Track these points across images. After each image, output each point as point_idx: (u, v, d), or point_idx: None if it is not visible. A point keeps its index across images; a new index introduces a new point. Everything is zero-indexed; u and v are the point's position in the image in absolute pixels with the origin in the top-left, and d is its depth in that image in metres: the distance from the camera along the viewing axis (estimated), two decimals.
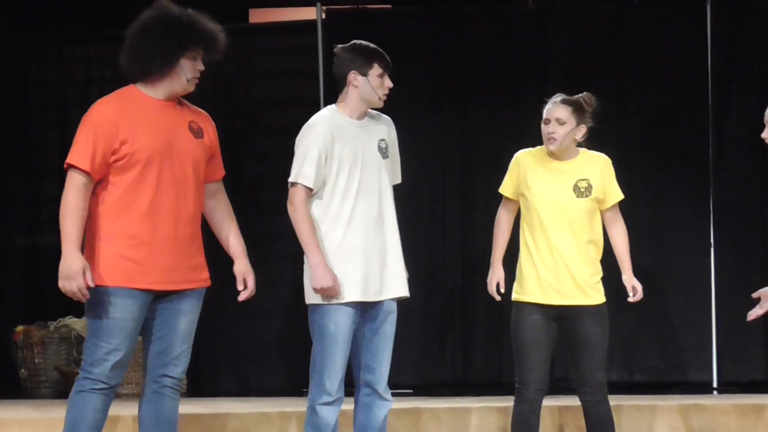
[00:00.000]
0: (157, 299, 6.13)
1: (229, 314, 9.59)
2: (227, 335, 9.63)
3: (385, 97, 6.70)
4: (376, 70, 6.67)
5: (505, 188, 7.09)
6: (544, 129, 6.97)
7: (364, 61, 6.68)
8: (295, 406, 7.64)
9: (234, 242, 6.41)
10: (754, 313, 6.83)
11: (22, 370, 9.26)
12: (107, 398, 6.13)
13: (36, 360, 9.12)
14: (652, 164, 9.15)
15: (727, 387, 9.18)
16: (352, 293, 6.57)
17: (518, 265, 7.00)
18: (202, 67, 6.23)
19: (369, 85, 6.67)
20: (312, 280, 6.53)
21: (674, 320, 9.24)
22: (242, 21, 10.34)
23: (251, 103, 9.74)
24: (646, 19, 9.54)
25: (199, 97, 9.67)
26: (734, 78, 9.38)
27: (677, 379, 9.24)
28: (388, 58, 6.70)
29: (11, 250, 9.18)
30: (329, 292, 6.52)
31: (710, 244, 9.32)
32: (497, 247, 7.09)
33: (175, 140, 6.15)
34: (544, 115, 6.97)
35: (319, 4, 9.52)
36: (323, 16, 9.47)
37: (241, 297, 6.39)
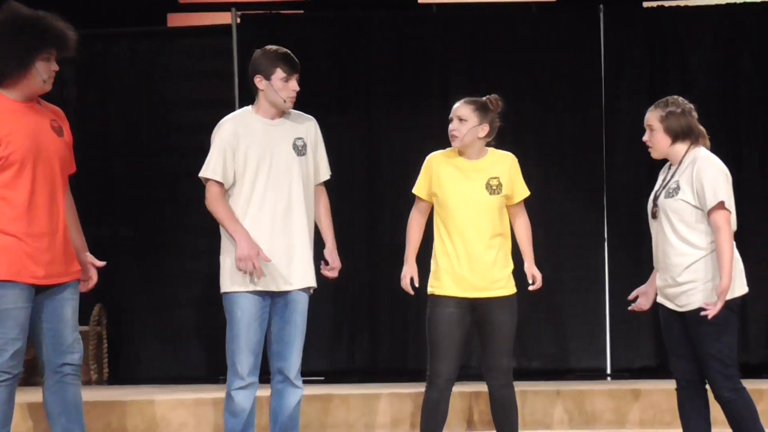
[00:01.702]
0: (37, 293, 6.10)
1: (147, 304, 9.54)
2: (146, 325, 9.59)
3: (291, 100, 6.70)
4: (279, 74, 6.69)
5: (419, 189, 7.08)
6: (450, 126, 6.97)
7: (268, 65, 6.70)
8: (210, 392, 7.63)
9: (77, 238, 6.37)
10: (636, 307, 6.91)
11: None
12: (12, 389, 6.15)
13: None
14: (547, 161, 9.21)
15: (619, 373, 9.26)
16: (253, 281, 6.60)
17: (433, 260, 7.01)
18: (56, 68, 6.19)
19: (272, 88, 6.68)
20: (237, 253, 6.52)
21: (570, 309, 9.33)
22: (161, 25, 10.25)
23: (169, 103, 9.68)
24: (543, 25, 9.60)
25: (120, 95, 9.65)
26: (625, 81, 9.48)
27: (573, 365, 9.34)
28: (296, 61, 6.67)
29: None
30: (248, 261, 6.50)
31: (604, 237, 9.38)
32: (410, 245, 7.09)
33: (43, 140, 6.15)
34: (451, 114, 6.97)
35: (234, 9, 9.49)
36: (238, 20, 9.44)
37: (89, 287, 6.36)
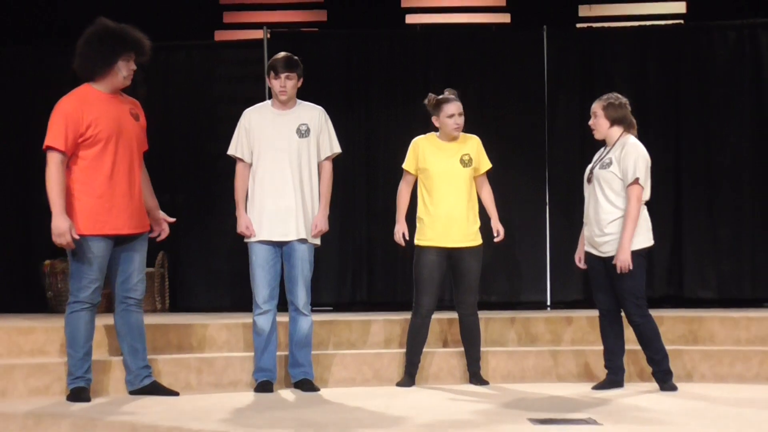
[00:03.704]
0: (117, 243, 6.21)
1: (197, 252, 9.60)
2: (197, 268, 9.62)
3: (281, 93, 6.81)
4: (272, 75, 6.79)
5: (408, 165, 7.15)
6: (454, 121, 7.03)
7: (268, 69, 6.83)
8: (243, 318, 7.68)
9: (150, 200, 6.51)
10: (581, 265, 7.00)
11: (49, 293, 9.20)
12: (92, 313, 6.26)
13: (59, 285, 9.06)
14: (504, 145, 9.21)
15: (556, 304, 9.27)
16: (262, 234, 6.75)
17: (418, 219, 7.08)
18: (134, 67, 6.29)
19: (272, 86, 6.81)
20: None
21: (520, 257, 9.32)
22: (209, 39, 10.30)
23: (215, 99, 9.67)
24: (500, 41, 9.56)
25: (178, 93, 9.70)
26: (563, 85, 9.42)
27: (522, 299, 9.31)
28: (286, 63, 6.75)
29: (40, 205, 9.16)
30: (244, 234, 6.76)
31: (546, 203, 9.40)
32: (400, 208, 7.17)
33: (123, 124, 6.22)
34: (453, 111, 7.01)
35: (265, 27, 9.49)
36: (268, 36, 9.43)
37: (162, 237, 6.57)
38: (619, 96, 6.87)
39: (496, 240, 7.15)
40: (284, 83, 6.74)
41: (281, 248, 6.80)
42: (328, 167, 6.92)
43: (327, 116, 6.93)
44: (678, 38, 9.37)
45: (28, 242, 9.55)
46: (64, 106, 6.15)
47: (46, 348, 7.05)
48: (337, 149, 6.95)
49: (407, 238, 7.12)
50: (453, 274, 7.10)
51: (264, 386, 6.83)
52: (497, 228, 7.14)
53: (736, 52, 9.27)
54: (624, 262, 6.55)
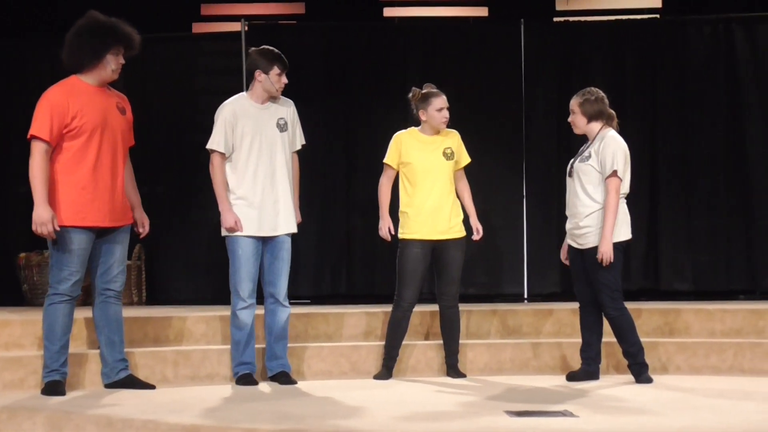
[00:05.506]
0: (99, 235, 6.16)
1: (175, 245, 9.54)
2: (174, 260, 9.57)
3: (281, 90, 6.75)
4: (275, 70, 6.71)
5: (390, 160, 7.12)
6: (443, 114, 7.01)
7: (266, 63, 6.72)
8: (220, 311, 7.63)
9: (133, 196, 6.44)
10: (564, 260, 6.97)
11: (24, 286, 9.13)
12: (71, 306, 6.21)
13: (35, 278, 9.00)
14: (483, 140, 9.18)
15: (533, 297, 9.28)
16: (250, 229, 6.68)
17: (401, 212, 7.06)
18: (123, 61, 6.26)
19: (269, 81, 6.69)
20: (222, 222, 6.67)
21: (498, 249, 9.32)
22: (187, 31, 10.22)
23: (194, 91, 9.63)
24: (478, 34, 9.55)
25: (157, 85, 9.62)
26: (540, 79, 9.43)
27: (500, 291, 9.32)
28: (286, 61, 6.70)
29: (15, 197, 9.09)
30: (233, 230, 6.64)
31: (523, 195, 9.39)
32: (383, 204, 7.15)
33: (109, 116, 6.20)
34: (442, 104, 6.99)
35: (243, 20, 9.44)
36: (246, 28, 9.38)
37: (142, 236, 6.49)
38: (595, 90, 6.84)
39: (475, 238, 7.12)
40: (286, 80, 6.72)
41: (264, 241, 6.74)
42: (296, 160, 6.93)
43: (296, 110, 6.92)
44: (654, 33, 9.38)
45: (4, 235, 9.47)
46: (51, 96, 6.13)
47: (22, 341, 6.98)
48: (304, 141, 6.95)
49: (393, 232, 7.08)
50: (436, 265, 7.08)
51: (247, 378, 6.79)
52: (477, 226, 7.11)
53: (711, 46, 9.28)
54: (606, 254, 6.53)
